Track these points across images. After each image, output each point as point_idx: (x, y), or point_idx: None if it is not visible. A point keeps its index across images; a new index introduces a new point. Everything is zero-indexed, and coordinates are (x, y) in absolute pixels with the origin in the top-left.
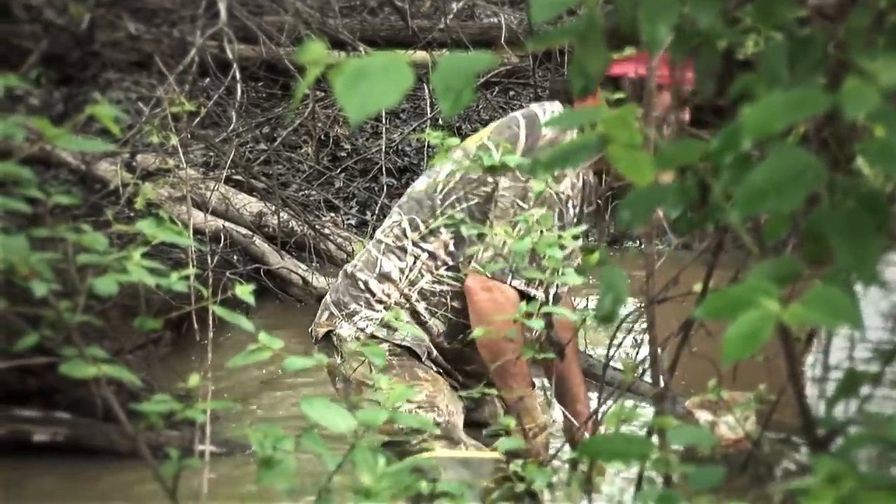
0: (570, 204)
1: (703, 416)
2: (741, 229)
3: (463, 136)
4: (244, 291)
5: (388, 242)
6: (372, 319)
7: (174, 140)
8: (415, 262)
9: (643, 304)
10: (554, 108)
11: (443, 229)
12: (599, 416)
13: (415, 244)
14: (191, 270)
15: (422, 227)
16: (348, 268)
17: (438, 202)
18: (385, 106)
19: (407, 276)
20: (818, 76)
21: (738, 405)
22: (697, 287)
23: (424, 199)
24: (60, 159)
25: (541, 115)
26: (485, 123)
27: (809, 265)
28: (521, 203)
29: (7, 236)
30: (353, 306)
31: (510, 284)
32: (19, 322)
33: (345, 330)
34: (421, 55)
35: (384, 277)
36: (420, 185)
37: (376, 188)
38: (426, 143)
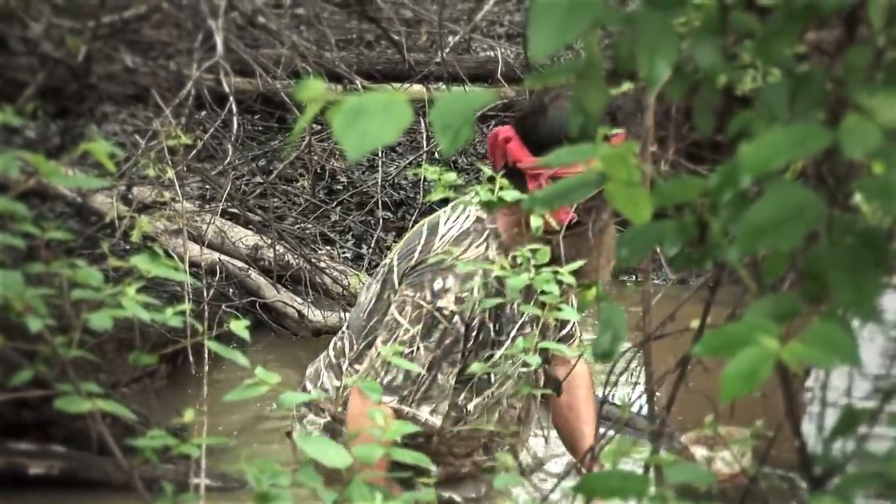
0: (456, 319)
1: (700, 452)
2: (740, 267)
3: (459, 170)
4: (239, 326)
5: (331, 358)
6: (316, 424)
7: (170, 173)
8: (346, 388)
9: (640, 341)
10: (460, 215)
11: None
12: (596, 452)
13: (350, 364)
14: (186, 306)
15: (355, 346)
16: (308, 367)
17: (363, 322)
18: (383, 143)
19: (341, 397)
20: (818, 113)
21: (735, 441)
22: (695, 323)
23: (356, 317)
24: (56, 192)
25: (442, 221)
26: (481, 157)
27: (808, 302)
28: (397, 317)
29: (3, 272)
30: (303, 409)
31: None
32: (15, 356)
33: (295, 432)
34: (417, 89)
35: (325, 392)
36: (360, 299)
37: (372, 221)
38: (422, 178)
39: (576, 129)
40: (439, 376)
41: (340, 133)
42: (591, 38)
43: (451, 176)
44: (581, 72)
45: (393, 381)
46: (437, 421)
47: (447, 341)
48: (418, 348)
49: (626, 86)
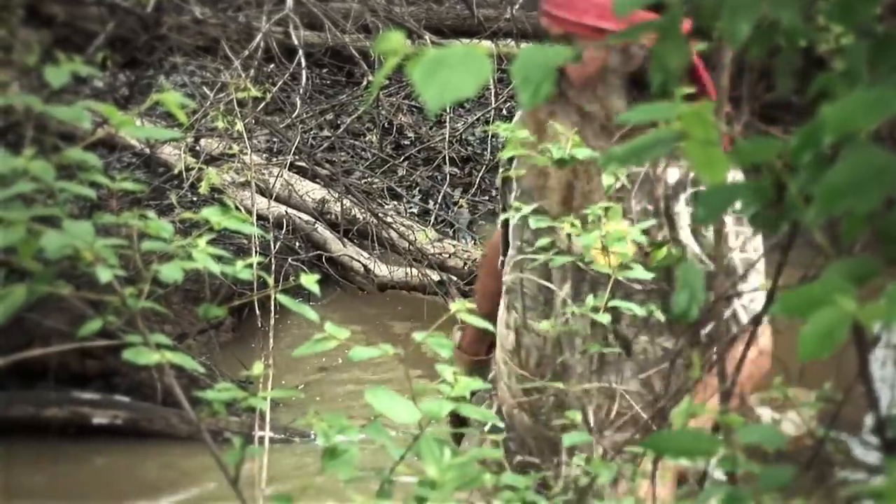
0: None
1: (767, 414)
2: (816, 228)
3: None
4: (309, 280)
5: None
6: None
7: (239, 125)
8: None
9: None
10: None
11: None
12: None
13: None
14: (255, 258)
15: None
16: None
17: None
18: (463, 96)
19: None
20: None
21: (802, 403)
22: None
23: None
24: (125, 143)
25: None
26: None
27: (885, 265)
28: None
29: (73, 222)
30: None
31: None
32: (81, 306)
33: None
34: (486, 45)
35: None
36: None
37: (439, 177)
38: (490, 134)
39: (655, 86)
40: None
41: (421, 85)
42: None
43: (523, 133)
44: (663, 29)
45: None
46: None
47: None
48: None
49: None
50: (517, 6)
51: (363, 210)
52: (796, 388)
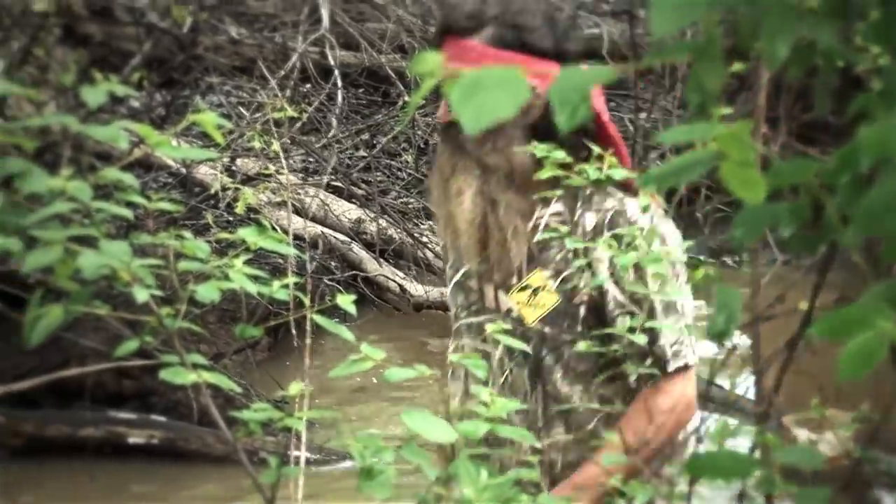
0: None
1: (803, 434)
2: (855, 250)
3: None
4: (346, 301)
5: None
6: None
7: (275, 145)
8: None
9: (748, 322)
10: None
11: None
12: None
13: None
14: (291, 279)
15: None
16: None
17: None
18: (500, 117)
19: None
20: None
21: (841, 424)
22: (803, 305)
23: None
24: (161, 162)
25: None
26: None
27: None
28: None
29: (109, 242)
30: None
31: None
32: (117, 326)
33: None
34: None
35: None
36: None
37: None
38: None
39: (693, 107)
40: None
41: (458, 106)
42: (710, 16)
43: (560, 153)
44: (700, 50)
45: None
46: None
47: None
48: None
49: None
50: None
51: (399, 230)
52: (832, 408)
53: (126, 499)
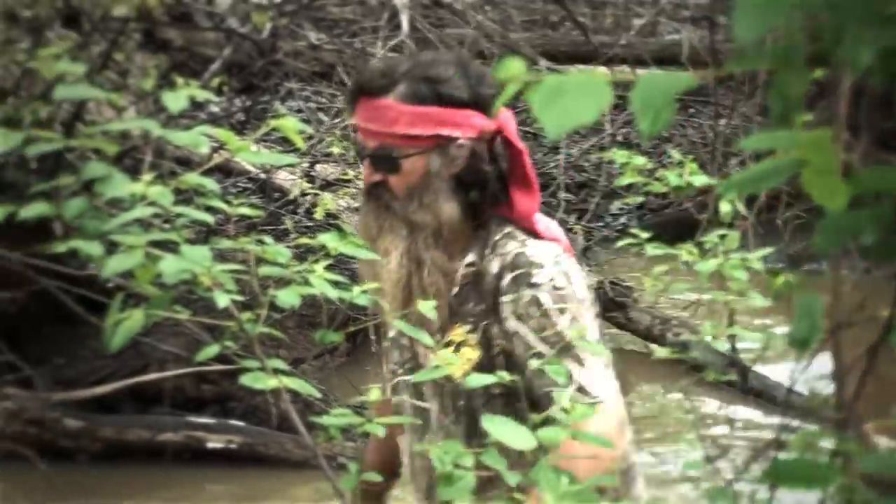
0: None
1: (883, 442)
2: None
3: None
4: (426, 307)
5: None
6: None
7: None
8: None
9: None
10: None
11: None
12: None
13: None
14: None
15: None
16: None
17: None
18: (582, 123)
19: None
20: None
21: None
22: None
23: None
24: (240, 168)
25: None
26: (665, 140)
27: None
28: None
29: (190, 247)
30: None
31: None
32: (197, 330)
33: None
34: (601, 71)
35: None
36: None
37: (554, 203)
38: (603, 160)
39: (776, 114)
40: None
41: (540, 112)
42: (793, 22)
43: (641, 160)
44: (783, 57)
45: None
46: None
47: None
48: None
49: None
50: (632, 32)
51: None
52: None
53: (205, 502)
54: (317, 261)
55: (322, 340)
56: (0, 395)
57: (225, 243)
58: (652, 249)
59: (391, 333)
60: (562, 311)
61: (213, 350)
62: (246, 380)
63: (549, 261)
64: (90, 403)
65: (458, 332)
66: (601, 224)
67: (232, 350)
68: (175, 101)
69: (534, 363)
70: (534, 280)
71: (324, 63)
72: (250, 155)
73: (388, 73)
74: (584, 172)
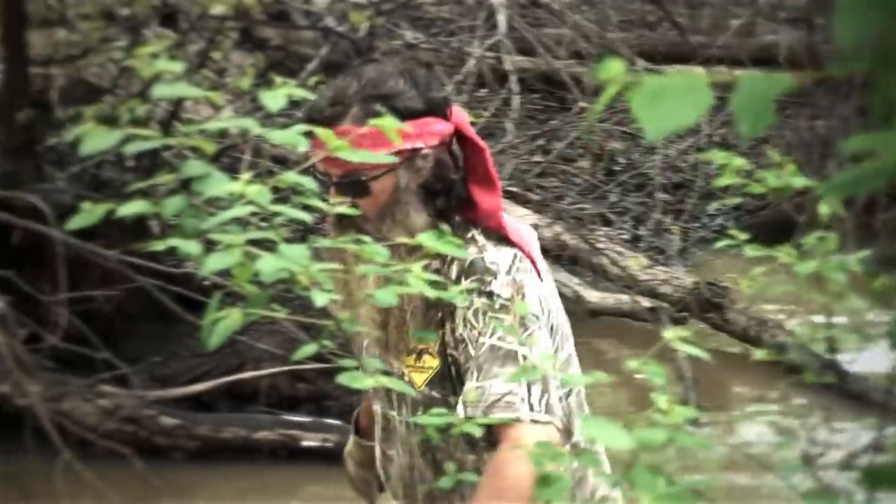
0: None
1: None
2: None
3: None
4: (522, 307)
5: None
6: None
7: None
8: None
9: None
10: None
11: None
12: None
13: None
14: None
15: None
16: None
17: None
18: (683, 125)
19: None
20: None
21: None
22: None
23: None
24: None
25: None
26: (762, 141)
27: None
28: None
29: (288, 245)
30: None
31: None
32: (293, 329)
33: None
34: (698, 72)
35: None
36: None
37: (650, 203)
38: (699, 160)
39: (878, 116)
40: None
41: (642, 113)
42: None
43: (740, 161)
44: (885, 58)
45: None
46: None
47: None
48: None
49: None
50: (730, 33)
51: (574, 236)
52: None
53: (300, 501)
54: (415, 260)
55: (420, 340)
56: (96, 393)
57: (323, 242)
58: (751, 251)
59: (364, 344)
60: (499, 321)
61: (310, 349)
62: (343, 379)
63: (504, 268)
64: (186, 401)
65: (422, 340)
66: (698, 225)
67: (328, 349)
68: (273, 99)
69: (472, 368)
70: (487, 288)
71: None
72: (348, 153)
73: (338, 100)
74: (681, 173)
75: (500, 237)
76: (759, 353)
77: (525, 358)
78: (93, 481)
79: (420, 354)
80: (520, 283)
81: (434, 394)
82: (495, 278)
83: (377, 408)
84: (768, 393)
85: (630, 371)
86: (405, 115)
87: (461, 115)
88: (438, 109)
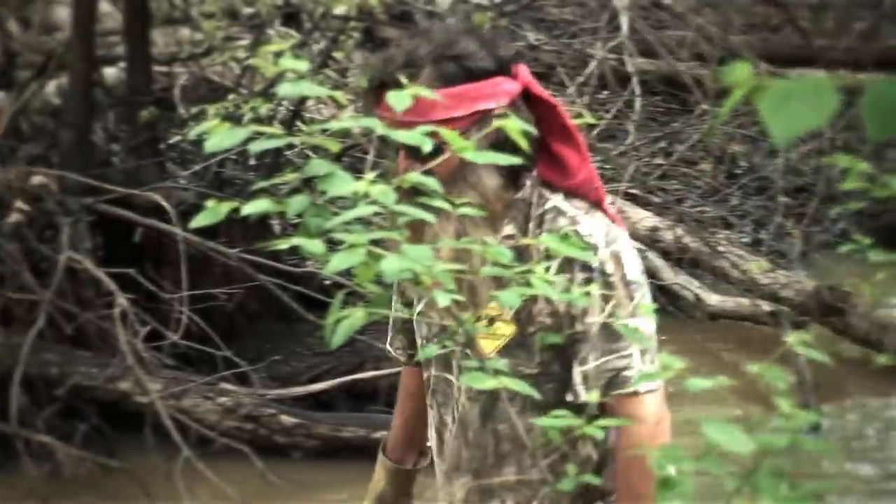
0: None
1: None
2: None
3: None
4: (647, 309)
5: None
6: None
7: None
8: None
9: None
10: None
11: None
12: None
13: None
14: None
15: None
16: None
17: None
18: (810, 128)
19: None
20: None
21: None
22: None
23: None
24: None
25: None
26: (886, 145)
27: None
28: None
29: (413, 246)
30: None
31: None
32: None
33: None
34: (821, 75)
35: None
36: None
37: (772, 206)
38: (822, 164)
39: None
40: None
41: (769, 117)
42: None
43: (864, 165)
44: None
45: None
46: None
47: None
48: None
49: None
50: (854, 36)
51: (695, 238)
52: None
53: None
54: (538, 262)
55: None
56: (217, 391)
57: (446, 242)
58: (874, 255)
59: (419, 307)
60: (606, 298)
61: (432, 350)
62: (464, 379)
63: (601, 241)
64: (305, 400)
65: (494, 306)
66: (819, 229)
67: (449, 349)
68: (399, 100)
69: (585, 348)
70: (591, 263)
71: (543, 64)
72: (473, 154)
73: (410, 61)
74: (803, 176)
75: (591, 203)
76: (881, 358)
77: (636, 330)
78: (212, 479)
79: (492, 321)
80: (618, 252)
81: (504, 361)
82: (595, 253)
83: (428, 374)
84: (892, 400)
85: (751, 375)
86: (477, 74)
87: (525, 72)
88: (506, 68)
